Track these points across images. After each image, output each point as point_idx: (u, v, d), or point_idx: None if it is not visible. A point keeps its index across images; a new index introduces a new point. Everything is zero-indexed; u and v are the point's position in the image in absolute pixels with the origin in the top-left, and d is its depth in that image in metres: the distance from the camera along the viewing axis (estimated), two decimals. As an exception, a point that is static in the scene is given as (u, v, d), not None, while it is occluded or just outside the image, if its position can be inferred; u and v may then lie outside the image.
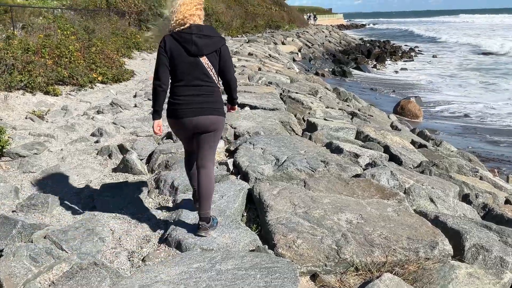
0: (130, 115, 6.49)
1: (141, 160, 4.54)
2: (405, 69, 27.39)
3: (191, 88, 2.76)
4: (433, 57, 33.78)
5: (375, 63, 30.65)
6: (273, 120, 5.76)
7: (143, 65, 13.83)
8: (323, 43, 36.54)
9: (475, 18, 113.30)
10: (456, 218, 3.22)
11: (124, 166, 4.22)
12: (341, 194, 3.45)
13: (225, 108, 2.99)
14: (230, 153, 4.87)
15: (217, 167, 4.17)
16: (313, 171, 3.93)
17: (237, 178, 4.04)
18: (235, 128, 5.42)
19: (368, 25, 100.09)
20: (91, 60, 9.69)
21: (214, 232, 2.90)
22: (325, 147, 4.86)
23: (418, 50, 38.62)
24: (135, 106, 7.22)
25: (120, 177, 4.10)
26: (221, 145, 4.91)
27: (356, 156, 4.56)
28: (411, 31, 68.22)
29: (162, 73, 2.77)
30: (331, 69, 26.26)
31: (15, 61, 7.45)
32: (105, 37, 15.41)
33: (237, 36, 29.64)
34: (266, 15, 40.18)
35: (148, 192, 3.74)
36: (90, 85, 9.02)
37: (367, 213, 3.10)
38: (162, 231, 3.09)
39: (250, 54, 17.72)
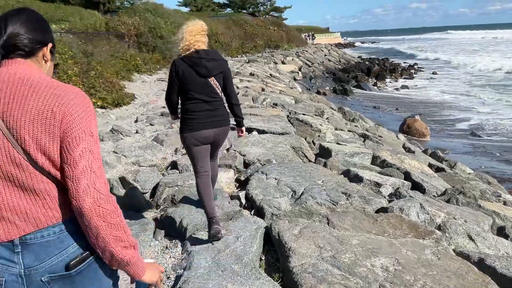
0: (131, 142, 6.16)
1: (144, 193, 4.18)
2: (406, 86, 27.25)
3: (204, 104, 3.11)
4: (433, 73, 33.74)
5: (375, 81, 30.55)
6: (284, 146, 5.42)
7: (143, 87, 13.59)
8: (322, 62, 36.57)
9: (464, 34, 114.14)
10: (502, 259, 2.85)
11: (127, 202, 3.86)
12: (370, 233, 3.08)
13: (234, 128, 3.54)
14: (241, 183, 4.52)
15: (228, 202, 3.81)
16: (335, 205, 3.57)
17: (251, 214, 3.67)
18: (244, 155, 5.08)
19: (362, 43, 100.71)
20: (90, 85, 9.43)
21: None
22: (342, 175, 4.51)
23: (418, 67, 38.68)
24: (137, 132, 6.90)
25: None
26: (230, 175, 4.56)
27: (378, 185, 4.21)
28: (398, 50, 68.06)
29: (173, 95, 3.18)
30: (332, 88, 26.12)
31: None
32: (104, 60, 15.24)
33: (237, 56, 29.63)
34: (265, 35, 40.35)
35: (154, 233, 3.37)
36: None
37: (403, 257, 2.73)
38: (171, 283, 2.71)
39: (251, 74, 17.54)
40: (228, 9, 59.21)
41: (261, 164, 4.76)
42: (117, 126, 6.80)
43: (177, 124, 7.32)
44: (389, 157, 5.55)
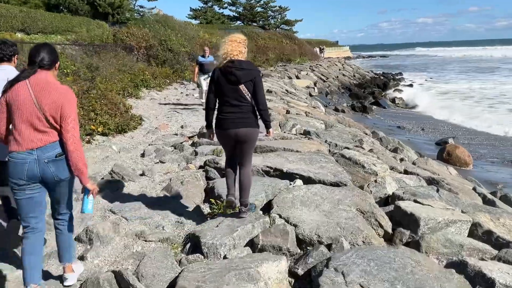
0: (136, 193, 4.63)
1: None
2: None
3: (232, 107, 3.61)
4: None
5: (393, 97, 28.97)
6: (348, 208, 3.87)
7: (152, 106, 12.12)
8: (337, 76, 35.10)
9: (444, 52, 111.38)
10: None
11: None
12: None
13: (262, 128, 3.81)
14: (297, 279, 2.97)
15: None
16: None
17: None
18: (295, 225, 3.53)
19: (359, 57, 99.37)
20: (90, 107, 7.97)
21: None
22: (453, 272, 2.93)
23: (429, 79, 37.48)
24: (143, 174, 5.37)
25: None
26: (281, 267, 2.99)
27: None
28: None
29: (211, 97, 3.72)
30: (349, 104, 24.62)
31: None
32: (110, 75, 13.87)
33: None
34: (277, 48, 39.05)
35: None
36: (87, 139, 7.25)
37: None
38: None
39: (269, 91, 16.06)
40: (238, 22, 58.31)
41: (326, 246, 3.20)
42: (118, 166, 5.27)
43: (194, 164, 5.80)
44: (491, 224, 3.98)
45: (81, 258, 3.29)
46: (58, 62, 2.85)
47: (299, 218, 3.67)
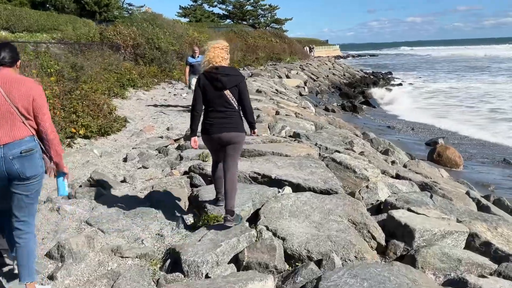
0: (115, 202, 4.35)
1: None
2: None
3: (218, 113, 3.67)
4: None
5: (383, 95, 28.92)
6: (339, 219, 3.65)
7: (138, 107, 11.80)
8: (327, 75, 34.99)
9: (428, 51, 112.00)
10: None
11: None
12: None
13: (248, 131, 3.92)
14: (285, 299, 2.74)
15: None
16: None
17: None
18: (283, 238, 3.30)
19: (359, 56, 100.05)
20: (72, 109, 7.65)
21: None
22: (452, 289, 2.73)
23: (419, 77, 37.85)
24: (124, 180, 5.09)
25: None
26: (269, 284, 2.77)
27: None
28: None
29: (197, 103, 3.73)
30: (339, 104, 24.49)
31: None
32: (95, 74, 13.50)
33: (239, 70, 27.97)
34: (267, 47, 38.80)
35: None
36: (68, 143, 6.95)
37: None
38: None
39: (258, 91, 15.81)
40: (228, 21, 57.91)
41: (315, 263, 2.98)
42: (97, 173, 4.99)
43: (178, 169, 5.54)
44: (488, 234, 3.80)
45: (51, 277, 3.03)
46: (20, 61, 2.87)
47: (287, 230, 3.45)
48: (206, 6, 58.00)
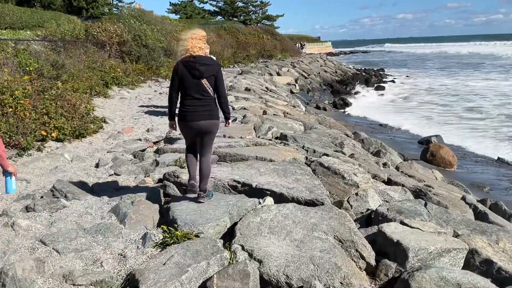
0: (77, 216, 3.91)
1: None
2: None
3: (195, 100, 3.82)
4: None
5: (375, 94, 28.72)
6: (324, 237, 3.25)
7: (120, 107, 11.29)
8: (319, 73, 34.62)
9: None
10: None
11: None
12: None
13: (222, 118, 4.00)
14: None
15: None
16: None
17: None
18: (259, 261, 2.89)
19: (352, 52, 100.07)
20: (44, 110, 7.16)
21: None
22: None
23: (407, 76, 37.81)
24: (92, 191, 4.65)
25: None
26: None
27: None
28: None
29: (174, 89, 3.89)
30: (331, 101, 24.16)
31: None
32: (78, 72, 12.97)
33: (229, 67, 27.43)
34: (258, 44, 38.30)
35: None
36: (38, 146, 6.47)
37: None
38: None
39: (247, 89, 15.38)
40: (219, 17, 57.26)
41: (295, 292, 2.58)
42: (61, 182, 4.54)
43: (152, 177, 5.10)
44: (489, 249, 3.43)
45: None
46: None
47: (265, 250, 3.04)
48: (196, 2, 57.32)
